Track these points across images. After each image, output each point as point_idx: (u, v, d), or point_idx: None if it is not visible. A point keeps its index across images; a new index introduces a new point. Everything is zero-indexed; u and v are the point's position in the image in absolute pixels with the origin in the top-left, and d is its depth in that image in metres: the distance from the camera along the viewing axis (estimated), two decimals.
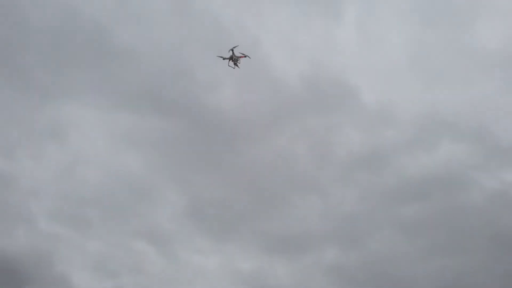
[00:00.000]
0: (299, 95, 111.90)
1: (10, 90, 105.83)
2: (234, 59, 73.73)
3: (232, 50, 73.07)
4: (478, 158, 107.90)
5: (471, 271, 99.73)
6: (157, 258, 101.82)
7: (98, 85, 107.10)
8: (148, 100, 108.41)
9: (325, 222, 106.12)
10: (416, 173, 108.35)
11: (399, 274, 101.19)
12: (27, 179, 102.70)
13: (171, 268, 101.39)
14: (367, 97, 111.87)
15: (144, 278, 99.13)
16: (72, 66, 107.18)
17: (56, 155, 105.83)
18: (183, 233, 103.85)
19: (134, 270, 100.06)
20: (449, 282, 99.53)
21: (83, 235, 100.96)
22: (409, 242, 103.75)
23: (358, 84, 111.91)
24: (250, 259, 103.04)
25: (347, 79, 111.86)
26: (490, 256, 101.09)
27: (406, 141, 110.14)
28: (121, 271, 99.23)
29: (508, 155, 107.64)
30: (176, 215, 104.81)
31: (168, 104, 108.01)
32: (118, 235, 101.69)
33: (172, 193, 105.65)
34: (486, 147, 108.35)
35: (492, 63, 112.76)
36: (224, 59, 73.86)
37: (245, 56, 74.32)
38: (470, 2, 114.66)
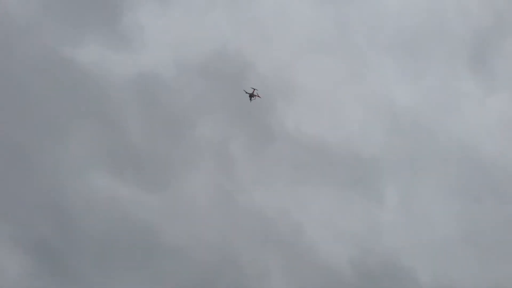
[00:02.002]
0: (350, 280, 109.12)
1: None
2: (253, 95, 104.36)
3: (253, 89, 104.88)
4: None
5: None
6: None
7: (147, 284, 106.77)
8: None
9: None
10: None
11: None
12: None
13: None
14: (424, 277, 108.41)
15: None
16: (122, 266, 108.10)
17: None
18: None
19: None
20: None
21: None
22: None
23: (411, 264, 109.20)
24: None
25: (398, 260, 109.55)
26: None
27: None
28: None
29: None
30: None
31: None
32: None
33: None
34: None
35: None
36: (246, 93, 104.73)
37: (259, 96, 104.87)
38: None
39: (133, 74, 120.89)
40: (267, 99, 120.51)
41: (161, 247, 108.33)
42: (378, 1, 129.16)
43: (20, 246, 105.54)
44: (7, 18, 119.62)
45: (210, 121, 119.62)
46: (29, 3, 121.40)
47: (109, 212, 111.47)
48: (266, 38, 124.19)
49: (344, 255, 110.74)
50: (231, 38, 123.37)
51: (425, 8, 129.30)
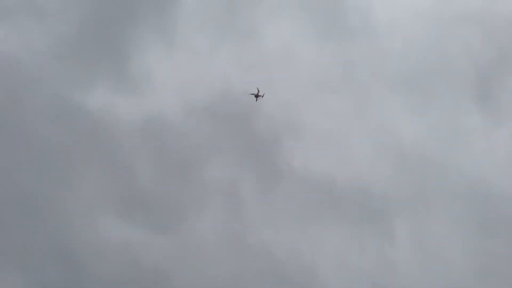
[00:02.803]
0: None
1: None
2: (257, 96, 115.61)
3: (258, 90, 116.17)
4: None
5: None
6: None
7: None
8: None
9: None
10: None
11: None
12: None
13: None
14: None
15: None
16: None
17: None
18: None
19: None
20: None
21: None
22: None
23: None
24: None
25: None
26: None
27: None
28: None
29: None
30: None
31: None
32: None
33: None
34: None
35: None
36: (251, 94, 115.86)
37: (262, 96, 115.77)
38: None
39: (141, 118, 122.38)
40: (274, 139, 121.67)
41: None
42: (381, 39, 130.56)
43: None
44: (17, 66, 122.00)
45: (218, 162, 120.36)
46: (38, 50, 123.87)
47: (119, 256, 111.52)
48: (272, 78, 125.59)
49: None
50: (238, 79, 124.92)
51: (428, 44, 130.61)
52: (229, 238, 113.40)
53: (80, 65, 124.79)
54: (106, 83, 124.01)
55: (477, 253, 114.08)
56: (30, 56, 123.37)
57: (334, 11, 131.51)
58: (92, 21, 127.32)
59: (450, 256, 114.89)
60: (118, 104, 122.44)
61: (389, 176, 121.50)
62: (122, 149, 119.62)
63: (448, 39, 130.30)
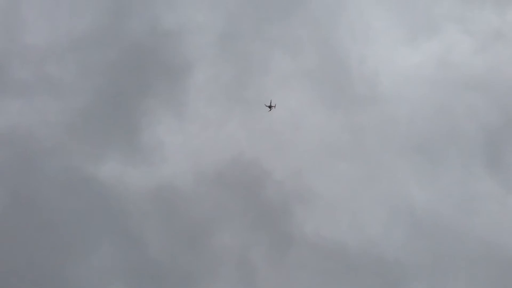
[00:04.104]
0: None
1: None
2: (270, 107, 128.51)
3: (271, 102, 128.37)
4: None
5: None
6: None
7: None
8: None
9: None
10: None
11: None
12: None
13: None
14: None
15: None
16: None
17: None
18: None
19: None
20: None
21: None
22: None
23: None
24: None
25: None
26: None
27: None
28: None
29: None
30: None
31: None
32: None
33: None
34: None
35: None
36: (266, 106, 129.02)
37: (275, 106, 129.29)
38: None
39: (153, 188, 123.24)
40: (285, 205, 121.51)
41: None
42: (388, 105, 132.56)
43: None
44: (31, 138, 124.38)
45: (229, 229, 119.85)
46: (52, 123, 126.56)
47: None
48: (281, 146, 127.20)
49: None
50: (247, 147, 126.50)
51: (434, 110, 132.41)
52: None
53: (92, 136, 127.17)
54: (118, 154, 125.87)
55: None
56: (44, 128, 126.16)
57: (341, 80, 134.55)
58: (105, 94, 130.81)
59: None
60: (130, 174, 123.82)
61: (402, 242, 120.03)
62: (133, 218, 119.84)
63: (454, 104, 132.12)
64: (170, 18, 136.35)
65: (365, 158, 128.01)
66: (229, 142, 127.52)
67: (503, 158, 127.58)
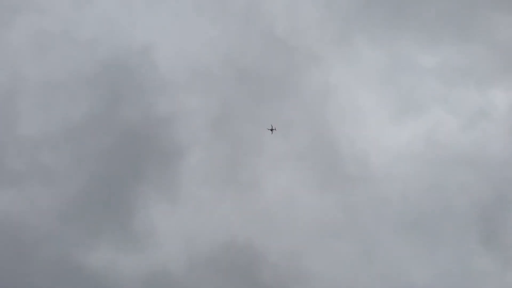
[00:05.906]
0: None
1: None
2: (272, 129, 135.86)
3: (271, 125, 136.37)
4: None
5: None
6: None
7: None
8: None
9: None
10: None
11: None
12: None
13: None
14: None
15: None
16: None
17: None
18: None
19: None
20: None
21: None
22: None
23: None
24: None
25: None
26: None
27: None
28: None
29: None
30: None
31: None
32: None
33: None
34: None
35: None
36: (268, 129, 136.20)
37: (275, 129, 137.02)
38: None
39: (145, 273, 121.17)
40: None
41: None
42: (380, 184, 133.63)
43: None
44: (23, 226, 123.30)
45: None
46: (43, 211, 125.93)
47: None
48: (274, 227, 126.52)
49: None
50: (240, 229, 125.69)
51: (426, 187, 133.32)
52: None
53: (84, 223, 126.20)
54: (109, 241, 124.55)
55: None
56: (36, 217, 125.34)
57: (333, 160, 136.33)
58: (96, 180, 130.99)
59: None
60: (121, 260, 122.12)
61: None
62: None
63: (444, 181, 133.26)
64: (163, 104, 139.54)
65: (360, 236, 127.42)
66: (222, 225, 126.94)
67: (497, 233, 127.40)
